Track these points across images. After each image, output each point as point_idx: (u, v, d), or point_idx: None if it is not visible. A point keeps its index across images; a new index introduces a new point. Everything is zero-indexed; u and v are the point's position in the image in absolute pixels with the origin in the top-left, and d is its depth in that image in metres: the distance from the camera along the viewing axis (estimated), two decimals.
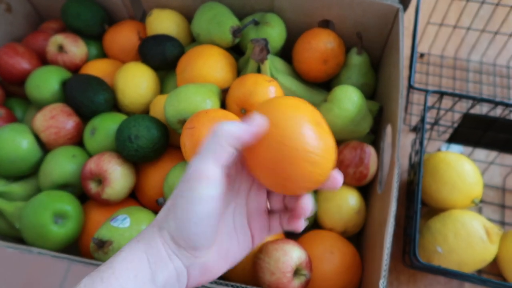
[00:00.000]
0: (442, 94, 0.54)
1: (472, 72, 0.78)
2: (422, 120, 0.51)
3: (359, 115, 0.56)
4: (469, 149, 0.67)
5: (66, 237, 0.51)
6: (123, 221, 0.49)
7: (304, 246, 0.54)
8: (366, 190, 0.62)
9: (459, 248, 0.46)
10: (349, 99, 0.56)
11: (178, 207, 0.30)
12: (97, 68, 0.68)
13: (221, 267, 0.33)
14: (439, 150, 0.68)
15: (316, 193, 0.61)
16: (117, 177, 0.54)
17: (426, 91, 0.53)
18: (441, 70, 0.78)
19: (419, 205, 0.47)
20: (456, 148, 0.67)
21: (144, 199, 0.59)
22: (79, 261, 0.44)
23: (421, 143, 0.50)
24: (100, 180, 0.54)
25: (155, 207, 0.59)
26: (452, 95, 0.54)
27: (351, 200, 0.58)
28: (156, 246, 0.30)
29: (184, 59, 0.63)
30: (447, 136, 0.70)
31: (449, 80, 0.77)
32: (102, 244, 0.47)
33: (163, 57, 0.65)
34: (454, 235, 0.47)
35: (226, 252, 0.33)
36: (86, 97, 0.60)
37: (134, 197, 0.60)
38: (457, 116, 0.72)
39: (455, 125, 0.65)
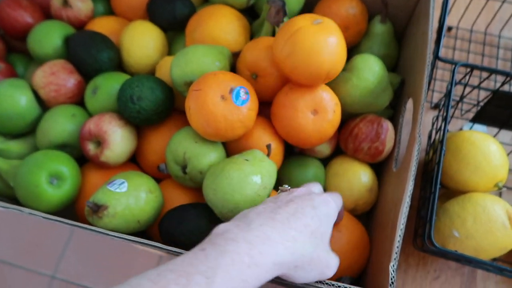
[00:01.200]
0: (472, 68, 0.50)
1: (502, 49, 0.72)
2: (448, 94, 0.47)
3: (379, 87, 0.52)
4: (493, 130, 0.63)
5: (61, 199, 0.48)
6: (120, 186, 0.46)
7: None
8: (379, 167, 0.58)
9: (478, 234, 0.43)
10: (370, 69, 0.51)
11: None
12: (103, 26, 0.64)
13: None
14: (461, 129, 0.64)
15: (325, 167, 0.58)
16: (117, 139, 0.51)
17: (455, 64, 0.48)
18: (469, 45, 0.72)
19: (438, 185, 0.44)
20: (479, 128, 0.63)
21: (145, 164, 0.56)
22: (75, 225, 0.42)
23: (445, 119, 0.46)
24: (100, 141, 0.51)
25: (155, 173, 0.56)
26: (483, 69, 0.49)
27: (363, 176, 0.54)
28: None
29: (194, 19, 0.59)
30: (470, 115, 0.65)
31: (477, 56, 0.71)
32: (97, 208, 0.44)
33: (172, 17, 0.61)
34: (474, 220, 0.43)
35: None
36: (89, 54, 0.57)
37: (135, 161, 0.58)
38: (482, 95, 0.67)
39: (481, 103, 0.61)
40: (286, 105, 0.49)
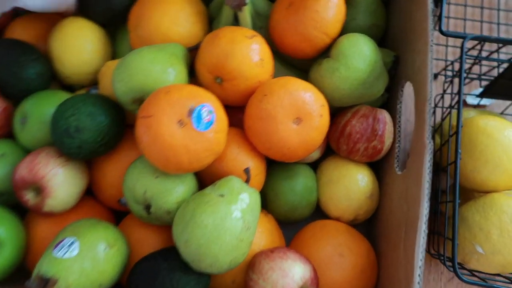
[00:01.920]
0: (483, 40, 0.40)
1: (504, 11, 0.61)
2: (460, 76, 0.38)
3: (372, 75, 0.42)
4: (498, 103, 0.55)
5: (2, 268, 0.39)
6: (70, 247, 0.37)
7: (308, 245, 0.44)
8: (377, 164, 0.50)
9: (506, 248, 0.36)
10: (360, 54, 0.42)
11: None
12: (25, 29, 0.52)
13: None
14: (465, 102, 0.56)
15: (316, 172, 0.49)
16: (60, 183, 0.41)
17: (464, 37, 0.39)
18: (464, 10, 0.61)
19: (457, 200, 0.36)
20: (486, 101, 0.55)
21: (103, 198, 0.47)
22: None
23: (458, 110, 0.37)
24: (38, 188, 0.41)
25: (117, 206, 0.47)
26: (498, 41, 0.40)
27: (361, 181, 0.46)
28: None
29: (136, 11, 0.47)
30: (471, 88, 0.57)
31: (475, 23, 0.60)
32: (45, 283, 0.36)
33: (108, 9, 0.49)
34: (500, 232, 0.37)
35: None
36: (11, 72, 0.46)
37: (91, 193, 0.48)
38: (484, 69, 0.57)
39: (484, 76, 0.52)
40: (261, 116, 0.39)
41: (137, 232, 0.44)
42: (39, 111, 0.44)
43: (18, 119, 0.45)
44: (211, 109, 0.37)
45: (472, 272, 0.39)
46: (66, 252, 0.37)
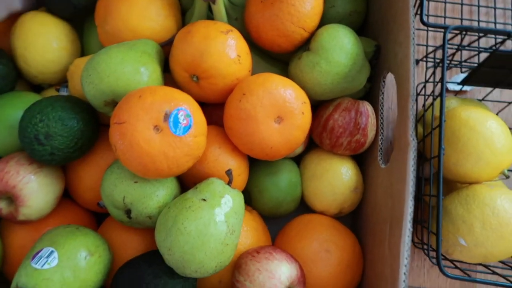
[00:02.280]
0: (465, 30, 0.39)
1: None
2: (442, 68, 0.37)
3: (354, 68, 0.41)
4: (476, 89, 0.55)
5: None
6: (49, 258, 0.36)
7: (293, 241, 0.43)
8: (361, 157, 0.50)
9: (488, 241, 0.37)
10: (341, 48, 0.40)
11: None
12: None
13: None
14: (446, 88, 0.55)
15: (299, 167, 0.49)
16: (33, 191, 0.39)
17: (445, 28, 0.38)
18: None
19: (441, 196, 0.36)
20: (467, 86, 0.54)
21: (81, 202, 0.45)
22: None
23: (441, 104, 0.37)
24: (11, 197, 0.39)
25: (97, 209, 0.45)
26: (480, 31, 0.39)
27: (345, 175, 0.46)
28: None
29: (102, 4, 0.45)
30: (451, 74, 0.57)
31: (455, 6, 0.59)
32: None
33: (69, 2, 0.46)
34: (482, 225, 0.37)
35: None
36: None
37: (69, 195, 0.46)
38: (465, 55, 0.57)
39: (464, 64, 0.52)
40: (241, 117, 0.38)
41: (119, 235, 0.43)
42: (6, 114, 0.42)
43: None
44: (188, 112, 0.35)
45: (454, 264, 0.40)
46: (44, 263, 0.35)
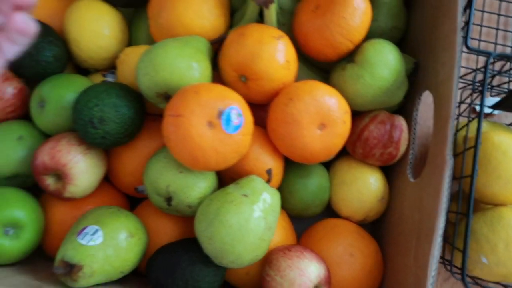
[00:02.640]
0: (507, 58, 0.41)
1: None
2: (482, 94, 0.39)
3: (395, 84, 0.43)
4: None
5: (21, 251, 0.40)
6: (94, 236, 0.38)
7: (319, 244, 0.45)
8: (389, 168, 0.51)
9: (510, 261, 0.39)
10: (385, 63, 0.42)
11: None
12: (39, 7, 0.50)
13: None
14: (474, 109, 0.57)
15: (329, 171, 0.50)
16: (81, 170, 0.41)
17: (489, 54, 0.39)
18: (481, 16, 0.61)
19: (471, 216, 0.38)
20: (496, 111, 0.56)
21: (120, 186, 0.47)
22: None
23: (478, 131, 0.38)
24: (59, 175, 0.41)
25: (134, 193, 0.48)
26: None
27: (373, 185, 0.48)
28: None
29: None
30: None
31: (490, 31, 0.60)
32: (70, 269, 0.36)
33: None
34: (506, 246, 0.39)
35: None
36: (26, 54, 0.44)
37: (108, 179, 0.48)
38: (496, 80, 0.58)
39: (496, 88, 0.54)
40: (287, 121, 0.40)
41: (153, 221, 0.45)
42: (58, 96, 0.44)
43: (36, 103, 0.44)
44: (239, 112, 0.37)
45: (475, 280, 0.42)
46: (90, 240, 0.37)
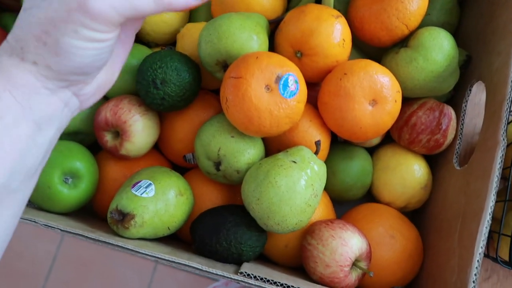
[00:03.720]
0: None
1: None
2: None
3: (447, 70, 0.44)
4: None
5: (77, 200, 0.42)
6: (147, 189, 0.40)
7: (359, 224, 0.45)
8: (433, 158, 0.51)
9: None
10: (440, 48, 0.43)
11: (61, 44, 0.25)
12: None
13: (110, 80, 0.32)
14: None
15: (372, 157, 0.51)
16: (138, 129, 0.43)
17: None
18: None
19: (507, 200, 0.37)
20: None
21: (169, 152, 0.50)
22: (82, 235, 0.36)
23: None
24: (118, 132, 0.44)
25: (181, 162, 0.50)
26: None
27: (418, 172, 0.48)
28: (24, 79, 0.25)
29: None
30: None
31: None
32: (123, 217, 0.38)
33: None
34: None
35: (111, 64, 0.31)
36: None
37: (157, 147, 0.51)
38: None
39: None
40: (339, 94, 0.41)
41: (199, 187, 0.46)
42: None
43: None
44: (296, 79, 0.39)
45: None
46: (143, 192, 0.39)
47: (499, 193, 0.49)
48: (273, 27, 0.49)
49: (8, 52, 0.26)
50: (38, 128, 0.26)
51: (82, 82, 0.28)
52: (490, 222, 0.35)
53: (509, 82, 0.38)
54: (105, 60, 0.28)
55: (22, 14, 0.26)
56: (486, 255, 0.44)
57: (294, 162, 0.39)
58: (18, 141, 0.26)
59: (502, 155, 0.37)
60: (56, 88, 0.27)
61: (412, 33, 0.46)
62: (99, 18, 0.25)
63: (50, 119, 0.27)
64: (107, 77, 0.31)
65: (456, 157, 0.47)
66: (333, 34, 0.42)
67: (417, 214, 0.52)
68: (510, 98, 0.38)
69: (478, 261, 0.35)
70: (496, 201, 0.44)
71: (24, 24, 0.26)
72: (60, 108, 0.28)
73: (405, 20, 0.44)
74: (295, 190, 0.37)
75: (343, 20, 0.44)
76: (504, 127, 0.37)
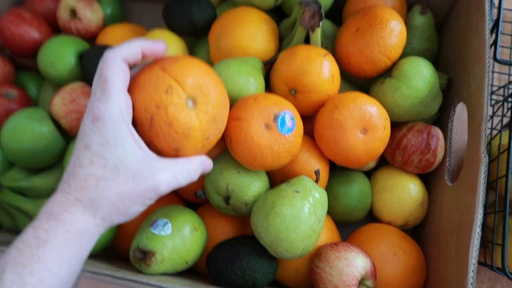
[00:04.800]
0: None
1: None
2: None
3: (430, 95, 0.48)
4: None
5: (99, 243, 0.46)
6: (164, 227, 0.43)
7: (363, 244, 0.48)
8: (427, 176, 0.55)
9: None
10: (420, 76, 0.47)
11: (131, 210, 0.34)
12: (116, 36, 0.59)
13: None
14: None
15: (370, 180, 0.54)
16: None
17: None
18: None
19: (507, 209, 0.41)
20: None
21: (181, 190, 0.53)
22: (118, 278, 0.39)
23: (510, 133, 0.42)
24: None
25: (192, 199, 0.53)
26: None
27: (413, 190, 0.51)
28: (91, 230, 0.33)
29: (217, 26, 0.54)
30: None
31: None
32: (144, 255, 0.42)
33: (191, 23, 0.56)
34: None
35: None
36: None
37: None
38: None
39: None
40: (333, 125, 0.45)
41: (212, 221, 0.50)
42: None
43: None
44: (292, 116, 0.43)
45: None
46: (161, 230, 0.43)
47: (492, 205, 0.52)
48: (268, 67, 0.53)
49: (81, 209, 0.33)
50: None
51: None
52: (480, 233, 0.38)
53: (485, 104, 0.42)
54: None
55: (84, 174, 0.33)
56: (485, 264, 0.47)
57: (297, 191, 0.42)
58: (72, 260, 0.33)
59: (485, 170, 0.40)
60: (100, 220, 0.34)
61: (394, 64, 0.50)
62: (161, 194, 0.34)
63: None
64: None
65: (448, 173, 0.50)
66: (322, 71, 0.47)
67: (417, 231, 0.55)
68: (487, 118, 0.42)
69: (473, 271, 0.37)
70: (489, 213, 0.47)
71: (100, 193, 0.33)
72: (97, 233, 0.35)
73: (387, 53, 0.48)
74: (300, 218, 0.41)
75: (330, 57, 0.48)
76: (484, 145, 0.41)
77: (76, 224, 0.32)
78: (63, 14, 0.59)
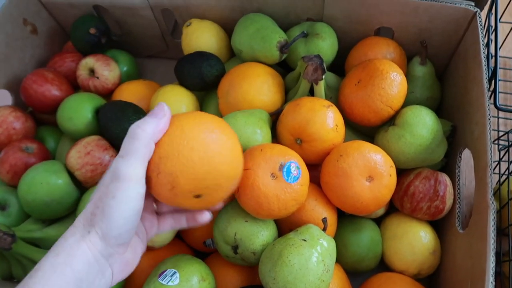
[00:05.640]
0: None
1: None
2: None
3: (434, 142, 0.48)
4: None
5: None
6: (172, 277, 0.43)
7: None
8: (439, 224, 0.54)
9: None
10: (423, 124, 0.48)
11: (108, 207, 0.32)
12: (132, 92, 0.63)
13: (135, 262, 0.37)
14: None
15: (380, 227, 0.54)
16: None
17: None
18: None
19: None
20: None
21: (190, 239, 0.54)
22: None
23: None
24: None
25: (201, 248, 0.53)
26: None
27: (424, 238, 0.50)
28: (82, 254, 0.32)
29: (226, 81, 0.57)
30: None
31: None
32: None
33: (201, 79, 0.59)
34: None
35: (135, 247, 0.37)
36: (122, 128, 0.55)
37: (179, 236, 0.55)
38: None
39: None
40: (338, 174, 0.46)
41: (221, 271, 0.49)
42: None
43: None
44: (297, 165, 0.44)
45: None
46: (169, 281, 0.43)
47: (508, 252, 0.51)
48: (275, 118, 0.55)
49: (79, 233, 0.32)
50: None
51: (118, 253, 0.34)
52: (493, 282, 0.37)
53: (488, 150, 0.43)
54: (135, 224, 0.33)
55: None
56: None
57: (304, 240, 0.42)
58: None
59: (494, 217, 0.40)
60: (101, 258, 0.33)
61: (397, 112, 0.51)
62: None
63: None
64: (133, 256, 0.37)
65: (458, 220, 0.50)
66: (326, 121, 0.48)
67: (431, 281, 0.53)
68: (492, 165, 0.42)
69: None
70: (504, 261, 0.46)
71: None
72: (100, 277, 0.33)
73: (389, 103, 0.50)
74: (308, 267, 0.40)
75: (334, 108, 0.50)
76: (491, 191, 0.41)
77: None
78: (82, 73, 0.63)
